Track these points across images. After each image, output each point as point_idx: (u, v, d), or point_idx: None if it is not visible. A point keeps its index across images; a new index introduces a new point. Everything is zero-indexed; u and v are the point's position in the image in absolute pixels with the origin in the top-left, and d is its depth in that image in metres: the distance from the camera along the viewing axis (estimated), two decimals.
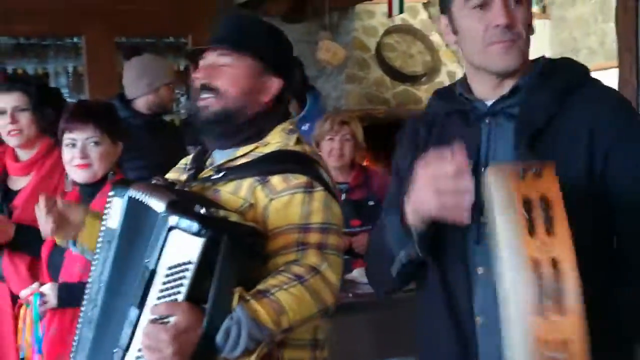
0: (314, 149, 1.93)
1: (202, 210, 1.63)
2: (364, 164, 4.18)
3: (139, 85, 3.74)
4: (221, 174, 1.87)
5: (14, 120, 2.91)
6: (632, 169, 1.52)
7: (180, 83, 4.96)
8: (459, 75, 5.86)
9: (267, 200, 1.79)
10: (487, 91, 1.64)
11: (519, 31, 1.60)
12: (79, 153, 2.44)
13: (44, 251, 2.59)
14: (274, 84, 1.89)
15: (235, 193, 1.83)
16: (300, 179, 1.78)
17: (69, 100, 4.90)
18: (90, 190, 2.49)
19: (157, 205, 1.68)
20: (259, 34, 1.93)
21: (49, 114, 2.98)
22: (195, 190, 1.89)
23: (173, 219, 1.63)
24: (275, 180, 1.80)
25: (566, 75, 1.61)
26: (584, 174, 1.52)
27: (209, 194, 1.86)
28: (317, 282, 1.71)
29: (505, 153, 1.59)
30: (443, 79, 5.87)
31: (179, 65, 5.07)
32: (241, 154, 1.89)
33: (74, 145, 2.45)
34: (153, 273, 1.65)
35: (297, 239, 1.75)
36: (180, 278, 1.63)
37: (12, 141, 2.97)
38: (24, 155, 3.02)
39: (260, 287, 1.68)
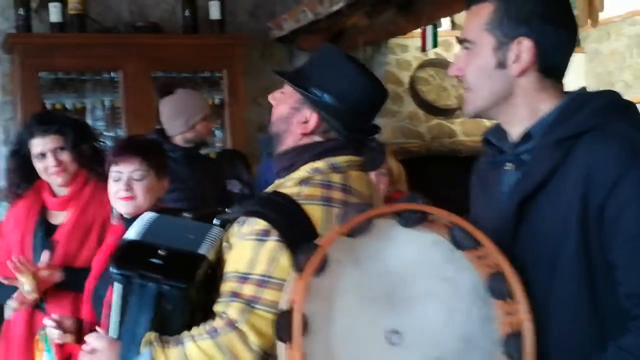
0: (315, 192, 1.82)
1: (160, 252, 1.84)
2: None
3: (175, 125, 3.80)
4: (229, 211, 1.94)
5: (58, 162, 2.99)
6: (627, 226, 1.48)
7: (215, 117, 5.01)
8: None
9: (234, 243, 1.82)
10: (511, 135, 1.70)
11: (468, 81, 1.68)
12: (124, 185, 2.50)
13: (88, 283, 2.63)
14: (311, 119, 1.89)
15: (228, 232, 1.88)
16: (259, 226, 1.76)
17: (105, 134, 4.99)
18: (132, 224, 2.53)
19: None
20: (313, 67, 1.93)
21: (85, 149, 3.05)
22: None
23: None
24: (248, 222, 1.80)
25: (579, 118, 1.58)
26: (577, 230, 1.50)
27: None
28: (230, 338, 1.70)
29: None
30: None
31: (214, 100, 5.12)
32: (269, 189, 1.91)
33: (119, 178, 2.51)
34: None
35: (233, 288, 1.75)
36: (112, 315, 1.86)
37: (57, 180, 3.05)
38: (61, 190, 3.08)
39: (179, 335, 1.75)
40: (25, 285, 2.82)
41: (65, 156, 3.03)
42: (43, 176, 3.06)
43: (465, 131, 5.80)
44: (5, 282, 2.89)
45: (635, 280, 1.47)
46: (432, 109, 5.78)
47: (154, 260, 1.82)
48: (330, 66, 1.90)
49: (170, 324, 1.78)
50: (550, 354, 1.52)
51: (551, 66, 1.63)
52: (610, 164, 1.49)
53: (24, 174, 3.09)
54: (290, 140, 1.91)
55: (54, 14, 4.83)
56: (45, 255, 2.91)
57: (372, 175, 3.58)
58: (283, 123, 1.92)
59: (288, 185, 1.84)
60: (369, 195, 1.93)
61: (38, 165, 3.04)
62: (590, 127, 1.55)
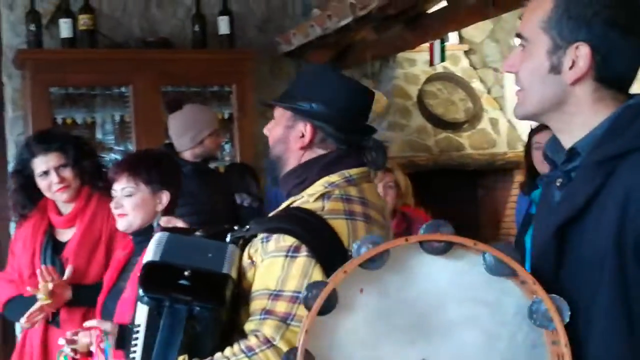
0: (338, 207, 1.83)
1: (186, 273, 1.80)
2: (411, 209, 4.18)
3: (184, 140, 3.83)
4: (245, 229, 1.92)
5: (61, 179, 3.03)
6: None
7: (224, 131, 5.04)
8: (501, 121, 5.88)
9: (260, 260, 1.81)
10: (564, 147, 1.54)
11: (520, 80, 1.53)
12: (114, 203, 2.55)
13: (99, 299, 2.65)
14: (306, 131, 1.91)
15: (250, 248, 1.88)
16: (287, 242, 1.75)
17: (115, 148, 5.03)
18: (140, 239, 2.57)
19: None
20: (297, 85, 1.98)
21: (87, 165, 3.08)
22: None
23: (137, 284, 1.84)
24: (272, 239, 1.79)
25: (628, 134, 1.42)
26: (612, 258, 1.37)
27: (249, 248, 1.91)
28: (267, 356, 1.69)
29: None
30: (485, 126, 5.87)
31: (223, 114, 5.15)
32: (283, 207, 1.92)
33: (115, 195, 2.57)
34: (133, 328, 1.87)
35: (265, 305, 1.74)
36: (137, 338, 1.81)
37: (61, 197, 3.09)
38: (66, 208, 3.12)
39: (213, 357, 1.73)
40: (41, 291, 2.86)
41: (67, 173, 3.07)
42: (47, 194, 3.10)
43: (473, 145, 5.81)
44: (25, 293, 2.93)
45: None
46: (440, 123, 5.79)
47: (182, 281, 1.80)
48: (313, 79, 1.94)
49: (201, 345, 1.77)
50: None
51: (612, 75, 1.46)
52: None
53: (27, 193, 3.13)
54: (292, 159, 1.93)
55: (65, 29, 4.87)
56: (45, 272, 2.93)
57: (380, 187, 3.61)
58: (281, 144, 1.95)
59: (309, 200, 1.84)
60: (381, 207, 1.96)
61: (42, 183, 3.08)
62: (638, 145, 1.39)
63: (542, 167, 3.34)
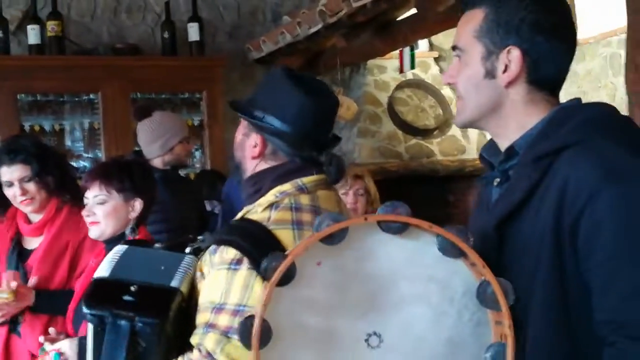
0: (284, 217, 1.82)
1: (132, 288, 1.81)
2: None
3: (153, 148, 3.81)
4: (201, 239, 1.93)
5: (23, 191, 3.01)
6: (601, 248, 1.42)
7: (194, 138, 5.02)
8: (470, 128, 5.90)
9: (207, 272, 1.81)
10: (501, 149, 1.63)
11: (459, 89, 1.62)
12: (86, 211, 2.54)
13: (71, 306, 2.64)
14: (258, 141, 1.90)
15: (202, 261, 1.87)
16: (230, 254, 1.75)
17: (84, 155, 4.99)
18: (112, 246, 2.55)
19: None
20: (257, 91, 1.97)
21: (50, 180, 3.05)
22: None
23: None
24: (218, 251, 1.79)
25: (561, 133, 1.52)
26: (549, 249, 1.46)
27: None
28: None
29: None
30: (455, 132, 5.91)
31: (193, 121, 5.13)
32: (238, 216, 1.91)
33: (87, 203, 2.55)
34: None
35: (208, 319, 1.74)
36: (87, 352, 1.82)
37: (26, 209, 3.06)
38: (35, 217, 3.09)
39: None
40: (4, 289, 2.84)
41: (31, 186, 3.03)
42: (14, 203, 3.07)
43: (443, 151, 5.84)
44: None
45: (612, 306, 1.40)
46: (411, 129, 5.82)
47: (126, 297, 1.79)
48: (273, 87, 1.90)
49: None
50: None
51: (542, 78, 1.56)
52: (583, 183, 1.43)
53: None
54: (248, 166, 1.93)
55: (33, 36, 4.83)
56: (9, 275, 2.90)
57: (350, 194, 3.61)
58: (239, 150, 1.95)
59: (257, 211, 1.83)
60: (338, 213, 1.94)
61: (7, 192, 3.05)
62: (571, 142, 1.48)
63: None
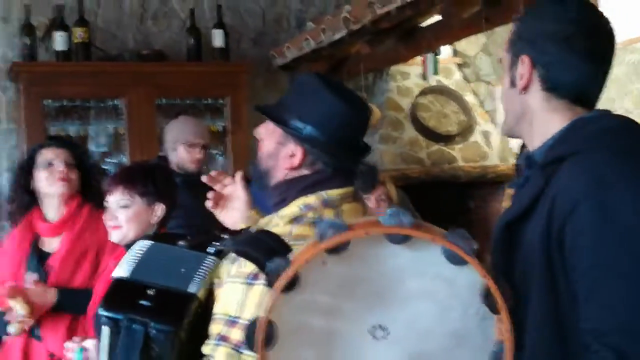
0: (305, 232, 1.77)
1: (150, 292, 1.81)
2: None
3: (163, 147, 3.91)
4: (224, 243, 1.91)
5: (67, 170, 3.03)
6: (583, 257, 1.46)
7: (217, 144, 5.06)
8: (493, 134, 5.91)
9: (224, 282, 1.80)
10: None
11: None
12: (108, 215, 2.55)
13: (92, 307, 2.64)
14: (297, 153, 1.85)
15: (221, 268, 1.87)
16: (247, 268, 1.72)
17: (108, 161, 5.03)
18: None
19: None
20: (291, 99, 1.91)
21: (89, 174, 3.09)
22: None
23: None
24: (237, 263, 1.77)
25: (567, 143, 1.58)
26: (541, 257, 1.51)
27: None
28: None
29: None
30: (477, 139, 5.90)
31: (217, 127, 5.16)
32: (262, 224, 1.89)
33: (109, 207, 2.57)
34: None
35: (221, 331, 1.72)
36: (102, 355, 1.82)
37: (59, 188, 3.06)
38: (53, 214, 3.09)
39: None
40: (19, 309, 2.83)
41: (72, 171, 3.08)
42: (44, 186, 3.07)
43: (464, 157, 5.84)
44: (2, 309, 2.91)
45: (595, 315, 1.44)
46: (433, 135, 5.82)
47: (143, 301, 1.79)
48: (309, 95, 1.85)
49: None
50: None
51: (558, 87, 1.62)
52: (569, 192, 1.48)
53: (24, 191, 3.12)
54: (279, 175, 1.88)
55: (59, 42, 4.89)
56: (32, 276, 2.92)
57: (372, 200, 3.62)
58: (271, 159, 1.89)
59: (279, 223, 1.81)
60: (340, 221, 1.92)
61: (42, 174, 3.06)
62: (571, 152, 1.55)
63: None
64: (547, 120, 1.63)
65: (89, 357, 2.45)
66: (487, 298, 1.46)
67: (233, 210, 2.12)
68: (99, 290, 2.67)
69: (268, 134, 1.91)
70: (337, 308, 1.47)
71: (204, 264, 1.89)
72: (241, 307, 1.71)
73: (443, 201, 5.83)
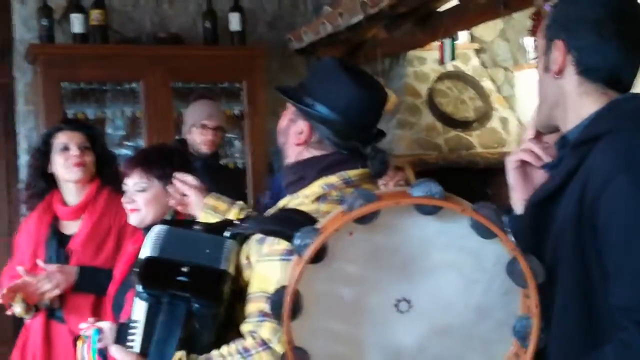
0: (332, 209, 1.79)
1: (185, 269, 1.80)
2: None
3: (182, 130, 3.95)
4: (244, 225, 1.93)
5: (81, 154, 3.03)
6: (614, 233, 1.46)
7: (233, 127, 5.06)
8: (511, 120, 5.87)
9: (255, 261, 1.82)
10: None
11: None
12: (127, 198, 2.55)
13: (111, 290, 2.65)
14: (304, 129, 1.90)
15: (246, 247, 1.89)
16: (282, 245, 1.75)
17: (125, 144, 5.04)
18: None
19: (140, 258, 1.90)
20: (307, 79, 1.97)
21: (105, 156, 3.09)
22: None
23: (134, 279, 1.84)
24: (267, 242, 1.80)
25: (600, 123, 1.58)
26: (572, 234, 1.52)
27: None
28: (262, 357, 1.71)
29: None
30: (495, 125, 5.87)
31: (233, 111, 5.16)
32: (281, 205, 1.92)
33: (126, 190, 2.57)
34: (129, 323, 1.89)
35: (262, 308, 1.74)
36: (134, 333, 1.82)
37: (75, 174, 3.06)
38: (73, 198, 3.10)
39: (208, 354, 1.76)
40: (17, 307, 2.86)
41: (88, 154, 3.08)
42: (61, 171, 3.07)
43: (482, 143, 5.81)
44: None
45: (624, 292, 1.45)
46: (450, 121, 5.79)
47: (181, 278, 1.79)
48: (325, 77, 1.90)
49: (198, 341, 1.78)
50: (549, 351, 1.53)
51: (591, 70, 1.63)
52: (602, 169, 1.49)
53: (41, 174, 3.12)
54: (291, 153, 1.94)
55: (77, 25, 4.89)
56: (48, 267, 2.93)
57: (390, 186, 3.61)
58: (283, 135, 1.96)
59: (304, 202, 1.84)
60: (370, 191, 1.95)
61: (59, 159, 3.06)
62: (605, 131, 1.56)
63: None
64: (581, 103, 1.64)
65: (104, 337, 2.46)
66: (514, 273, 1.46)
67: (191, 207, 2.22)
68: (118, 275, 2.68)
69: (285, 113, 1.97)
70: (363, 280, 1.47)
71: (225, 246, 1.90)
72: (280, 284, 1.71)
73: (460, 187, 5.73)
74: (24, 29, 5.09)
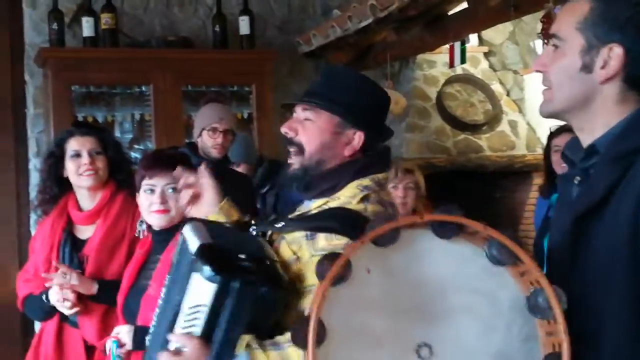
0: (378, 209, 1.88)
1: (242, 256, 1.77)
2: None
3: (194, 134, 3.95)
4: (281, 224, 1.93)
5: (92, 161, 3.02)
6: None
7: (242, 131, 5.05)
8: (520, 124, 5.86)
9: (309, 256, 1.83)
10: (583, 145, 1.61)
11: (549, 78, 1.60)
12: (158, 199, 2.51)
13: (119, 298, 2.64)
14: (356, 138, 1.93)
15: (291, 244, 1.89)
16: (341, 240, 1.77)
17: (135, 147, 5.06)
18: (163, 237, 2.55)
19: (193, 245, 1.80)
20: (338, 89, 1.95)
21: (119, 160, 3.08)
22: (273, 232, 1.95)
23: (196, 262, 1.76)
24: (321, 238, 1.82)
25: None
26: (627, 252, 1.43)
27: (276, 240, 1.92)
28: None
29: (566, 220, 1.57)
30: (504, 128, 5.86)
31: (242, 114, 5.16)
32: (314, 207, 1.93)
33: (152, 191, 2.52)
34: (179, 308, 1.81)
35: None
36: (196, 317, 1.77)
37: (87, 181, 3.05)
38: (87, 203, 3.09)
39: (277, 338, 1.75)
40: (52, 296, 2.87)
41: (99, 159, 3.06)
42: (73, 178, 3.06)
43: (491, 147, 5.80)
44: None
45: None
46: (459, 125, 5.79)
47: (244, 264, 1.78)
48: (353, 85, 1.95)
49: (263, 326, 1.78)
50: None
51: (637, 78, 1.53)
52: None
53: (55, 179, 3.12)
54: (334, 162, 1.94)
55: (87, 28, 4.91)
56: (62, 267, 2.93)
57: (400, 188, 3.61)
58: (328, 150, 1.93)
59: (350, 202, 1.87)
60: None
61: (71, 165, 3.05)
62: None
63: (561, 170, 3.35)
64: (616, 110, 1.54)
65: (124, 344, 2.46)
66: (537, 305, 1.44)
67: (202, 204, 2.11)
68: (127, 280, 2.67)
69: (317, 127, 1.94)
70: (382, 314, 1.46)
71: (259, 240, 1.92)
72: None
73: (469, 191, 5.79)
74: (34, 33, 5.11)
